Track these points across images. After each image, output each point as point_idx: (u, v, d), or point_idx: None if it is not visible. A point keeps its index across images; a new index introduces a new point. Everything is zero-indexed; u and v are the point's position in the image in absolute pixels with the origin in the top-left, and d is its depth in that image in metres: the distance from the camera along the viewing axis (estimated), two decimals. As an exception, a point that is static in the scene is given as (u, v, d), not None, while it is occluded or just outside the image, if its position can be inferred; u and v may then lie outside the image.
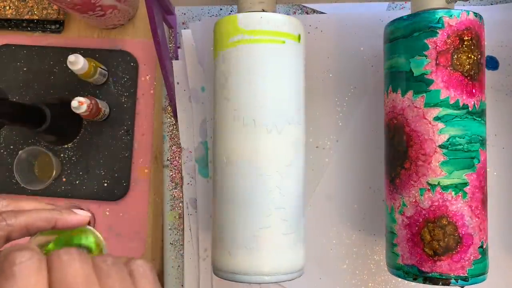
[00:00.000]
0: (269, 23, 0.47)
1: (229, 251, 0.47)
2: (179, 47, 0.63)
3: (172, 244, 0.62)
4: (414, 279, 0.46)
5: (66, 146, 0.71)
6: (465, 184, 0.45)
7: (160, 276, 0.67)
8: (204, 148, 0.61)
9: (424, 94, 0.46)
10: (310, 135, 0.59)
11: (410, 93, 0.47)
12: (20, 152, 0.67)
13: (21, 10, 0.71)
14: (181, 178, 0.62)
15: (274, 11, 0.49)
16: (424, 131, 0.46)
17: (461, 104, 0.45)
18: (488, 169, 0.56)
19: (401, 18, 0.48)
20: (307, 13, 0.63)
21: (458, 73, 0.45)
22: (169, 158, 0.64)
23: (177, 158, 0.63)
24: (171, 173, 0.63)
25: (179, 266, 0.62)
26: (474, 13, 0.46)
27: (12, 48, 0.72)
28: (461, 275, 0.44)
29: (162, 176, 0.64)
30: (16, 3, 0.71)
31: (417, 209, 0.46)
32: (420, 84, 0.46)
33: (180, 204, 0.63)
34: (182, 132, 0.62)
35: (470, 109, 0.45)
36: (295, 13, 0.63)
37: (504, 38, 0.59)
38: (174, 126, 0.64)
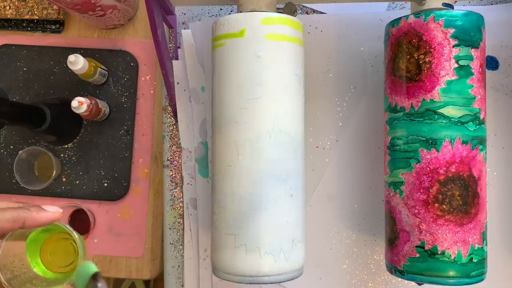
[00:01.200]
0: (216, 29, 0.49)
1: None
2: (179, 47, 0.63)
3: (172, 244, 0.62)
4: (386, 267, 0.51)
5: (66, 146, 0.71)
6: (401, 183, 0.47)
7: (160, 276, 0.67)
8: (204, 148, 0.61)
9: (384, 101, 0.51)
10: (310, 135, 0.59)
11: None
12: (20, 152, 0.67)
13: (21, 10, 0.71)
14: (181, 178, 0.62)
15: (265, 10, 0.49)
16: (384, 133, 0.51)
17: (398, 107, 0.47)
18: (488, 169, 0.56)
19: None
20: (307, 13, 0.63)
21: (397, 78, 0.48)
22: (169, 158, 0.64)
23: (177, 158, 0.63)
24: (171, 173, 0.63)
25: (179, 266, 0.62)
26: (416, 14, 0.46)
27: (12, 48, 0.72)
28: (398, 267, 0.47)
29: (162, 176, 0.64)
30: (16, 3, 0.71)
31: (384, 204, 0.51)
32: (384, 91, 0.51)
33: (180, 204, 0.63)
34: (182, 132, 0.62)
35: (407, 111, 0.46)
36: (295, 13, 0.63)
37: (504, 38, 0.59)
38: (174, 126, 0.64)
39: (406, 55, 0.47)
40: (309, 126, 0.59)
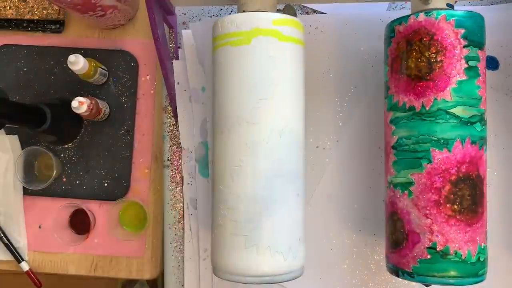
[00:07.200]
0: (222, 27, 0.48)
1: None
2: (179, 47, 0.63)
3: (172, 244, 0.62)
4: (387, 270, 0.50)
5: (66, 146, 0.71)
6: (411, 183, 0.46)
7: (160, 276, 0.67)
8: (204, 148, 0.61)
9: (386, 100, 0.50)
10: (310, 135, 0.59)
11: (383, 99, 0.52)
12: (20, 152, 0.67)
13: (22, 10, 0.71)
14: (182, 178, 0.62)
15: (269, 11, 0.49)
16: (386, 133, 0.50)
17: (407, 106, 0.47)
18: (488, 169, 0.56)
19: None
20: (307, 13, 0.63)
21: (405, 77, 0.47)
22: (169, 158, 0.64)
23: (177, 158, 0.63)
24: (171, 173, 0.63)
25: (179, 266, 0.62)
26: (427, 13, 0.46)
27: (12, 48, 0.72)
28: (406, 269, 0.46)
29: (162, 176, 0.64)
30: (16, 3, 0.71)
31: (384, 204, 0.51)
32: (385, 90, 0.51)
33: (180, 204, 0.63)
34: (183, 132, 0.62)
35: (417, 110, 0.46)
36: (295, 13, 0.63)
37: (504, 39, 0.59)
38: (175, 126, 0.64)
39: (416, 54, 0.46)
40: (309, 126, 0.59)
